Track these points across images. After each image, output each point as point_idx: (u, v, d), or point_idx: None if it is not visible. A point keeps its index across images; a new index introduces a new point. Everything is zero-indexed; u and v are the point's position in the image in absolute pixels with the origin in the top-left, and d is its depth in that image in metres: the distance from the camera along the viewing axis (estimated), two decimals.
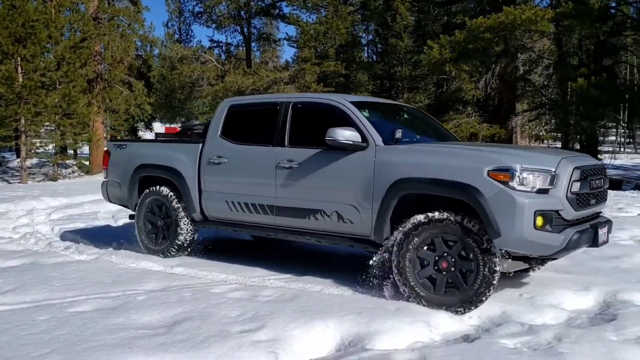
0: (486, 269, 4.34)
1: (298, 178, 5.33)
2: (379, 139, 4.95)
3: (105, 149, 7.27)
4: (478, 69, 24.30)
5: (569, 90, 24.72)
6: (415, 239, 4.57)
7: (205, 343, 3.71)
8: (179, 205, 6.22)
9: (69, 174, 21.02)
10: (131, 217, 6.96)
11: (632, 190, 15.89)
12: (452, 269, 4.49)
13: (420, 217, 4.55)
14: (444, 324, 4.25)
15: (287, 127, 5.52)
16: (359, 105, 5.35)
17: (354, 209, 5.01)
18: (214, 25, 28.66)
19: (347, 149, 4.96)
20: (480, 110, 24.95)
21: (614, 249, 6.61)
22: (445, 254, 4.51)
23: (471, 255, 4.42)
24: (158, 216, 6.47)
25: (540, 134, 31.36)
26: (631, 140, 52.36)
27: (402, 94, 28.47)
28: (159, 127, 38.29)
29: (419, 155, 4.81)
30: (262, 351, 3.59)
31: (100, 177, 19.93)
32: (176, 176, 6.17)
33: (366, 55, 34.40)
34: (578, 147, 25.70)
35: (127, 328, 4.04)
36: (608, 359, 3.46)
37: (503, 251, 4.41)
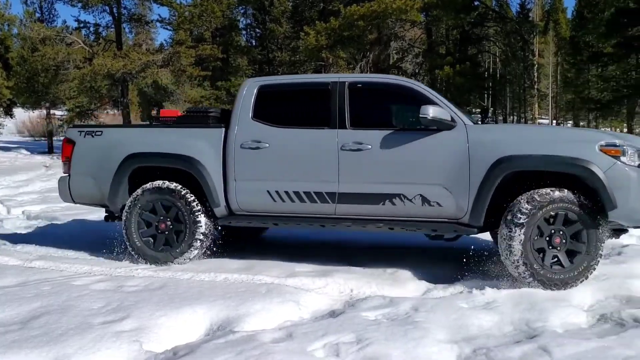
0: (595, 242, 4.54)
1: (370, 161, 4.97)
2: (465, 119, 4.90)
3: (65, 137, 5.91)
4: (354, 56, 25.00)
5: (437, 77, 26.19)
6: (538, 216, 4.53)
7: (64, 336, 3.53)
8: (196, 200, 5.36)
9: None
10: (108, 218, 5.91)
11: None
12: (564, 244, 4.59)
13: (555, 194, 4.53)
14: (313, 302, 4.37)
15: (347, 108, 5.12)
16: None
17: (445, 191, 4.82)
18: (79, 4, 26.88)
19: (436, 128, 4.82)
20: None
21: None
22: (561, 231, 4.59)
23: (583, 231, 4.56)
24: (164, 215, 5.43)
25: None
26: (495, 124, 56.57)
27: None
28: (21, 113, 35.43)
29: (521, 133, 4.94)
30: (126, 341, 3.48)
31: None
32: (193, 166, 5.32)
33: (244, 39, 34.15)
34: None
35: None
36: (458, 324, 3.76)
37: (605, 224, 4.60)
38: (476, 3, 26.42)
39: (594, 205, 4.54)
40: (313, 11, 28.32)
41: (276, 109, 5.46)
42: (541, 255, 4.58)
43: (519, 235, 4.51)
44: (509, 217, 4.60)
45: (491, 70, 47.31)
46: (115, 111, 34.42)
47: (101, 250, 5.97)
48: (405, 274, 5.15)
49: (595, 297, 4.50)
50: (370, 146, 4.95)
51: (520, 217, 4.53)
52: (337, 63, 23.52)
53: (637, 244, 6.26)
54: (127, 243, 5.51)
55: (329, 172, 5.05)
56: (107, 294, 4.41)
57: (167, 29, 34.40)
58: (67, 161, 5.79)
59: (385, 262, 5.47)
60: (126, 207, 5.49)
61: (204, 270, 5.17)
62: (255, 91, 5.41)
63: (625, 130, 52.50)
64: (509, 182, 4.73)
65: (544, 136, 4.89)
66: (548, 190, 4.57)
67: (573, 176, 4.58)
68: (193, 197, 5.35)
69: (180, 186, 5.39)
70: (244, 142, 5.25)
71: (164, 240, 5.45)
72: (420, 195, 4.87)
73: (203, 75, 25.71)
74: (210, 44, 25.68)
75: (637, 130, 49.94)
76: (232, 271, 5.12)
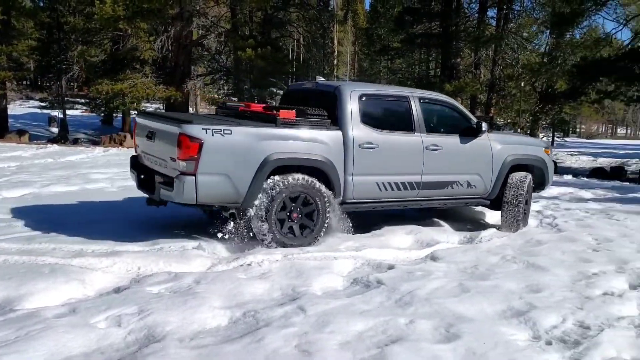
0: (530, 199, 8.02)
1: (442, 158, 6.75)
2: (484, 128, 7.00)
3: (184, 134, 5.31)
4: (155, 29, 24.26)
5: (240, 58, 26.56)
6: (527, 189, 7.49)
7: None
8: (327, 193, 6.05)
9: None
10: (234, 215, 5.86)
11: None
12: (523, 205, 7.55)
13: (529, 178, 7.56)
14: (99, 280, 4.50)
15: (422, 117, 6.69)
16: None
17: (479, 178, 7.16)
18: None
19: (479, 135, 7.02)
20: (158, 71, 25.09)
21: None
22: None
23: (529, 194, 7.67)
24: (295, 208, 5.91)
25: (216, 97, 33.10)
26: None
27: (74, 47, 26.60)
28: None
29: (514, 140, 7.75)
30: None
31: None
32: (329, 166, 6.06)
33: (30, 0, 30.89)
34: None
35: None
36: (234, 292, 4.26)
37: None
38: None
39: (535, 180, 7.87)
40: None
41: (374, 115, 6.47)
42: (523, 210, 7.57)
43: (522, 200, 7.37)
44: (515, 192, 7.35)
45: (295, 54, 49.15)
46: None
47: None
48: (194, 251, 5.51)
49: (354, 265, 5.35)
50: (442, 147, 6.76)
51: (522, 192, 7.36)
52: (138, 34, 22.66)
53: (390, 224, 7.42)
54: (259, 223, 5.72)
55: (418, 167, 6.65)
56: None
57: None
58: (193, 160, 5.36)
59: (175, 240, 5.78)
60: (271, 191, 5.71)
61: None
62: (357, 98, 6.31)
63: None
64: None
65: (523, 141, 7.95)
66: (525, 173, 7.51)
67: (532, 166, 7.75)
68: (328, 197, 6.04)
69: (324, 187, 6.02)
70: (361, 143, 6.23)
71: (289, 228, 5.92)
72: (467, 181, 7.09)
73: None
74: None
75: None
76: (12, 253, 5.00)
